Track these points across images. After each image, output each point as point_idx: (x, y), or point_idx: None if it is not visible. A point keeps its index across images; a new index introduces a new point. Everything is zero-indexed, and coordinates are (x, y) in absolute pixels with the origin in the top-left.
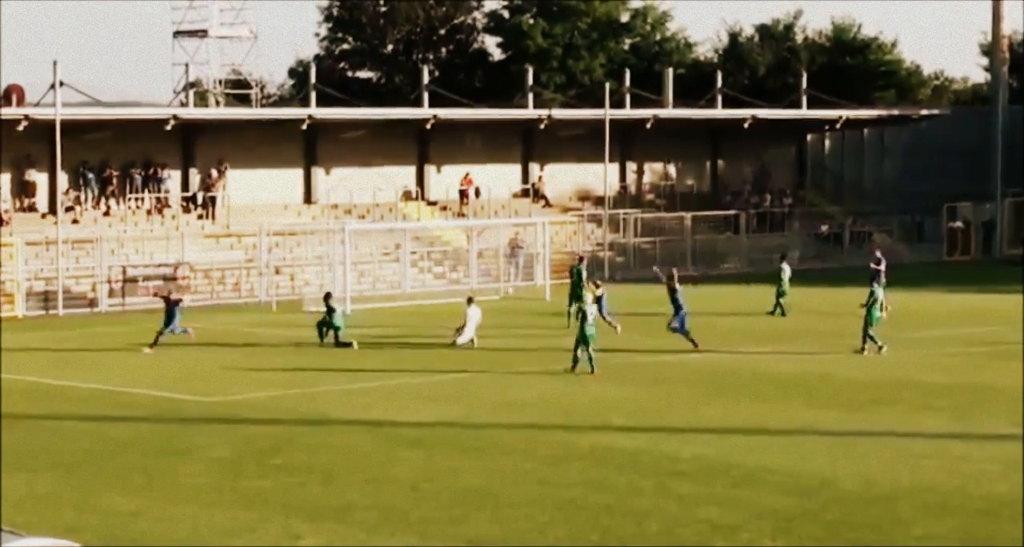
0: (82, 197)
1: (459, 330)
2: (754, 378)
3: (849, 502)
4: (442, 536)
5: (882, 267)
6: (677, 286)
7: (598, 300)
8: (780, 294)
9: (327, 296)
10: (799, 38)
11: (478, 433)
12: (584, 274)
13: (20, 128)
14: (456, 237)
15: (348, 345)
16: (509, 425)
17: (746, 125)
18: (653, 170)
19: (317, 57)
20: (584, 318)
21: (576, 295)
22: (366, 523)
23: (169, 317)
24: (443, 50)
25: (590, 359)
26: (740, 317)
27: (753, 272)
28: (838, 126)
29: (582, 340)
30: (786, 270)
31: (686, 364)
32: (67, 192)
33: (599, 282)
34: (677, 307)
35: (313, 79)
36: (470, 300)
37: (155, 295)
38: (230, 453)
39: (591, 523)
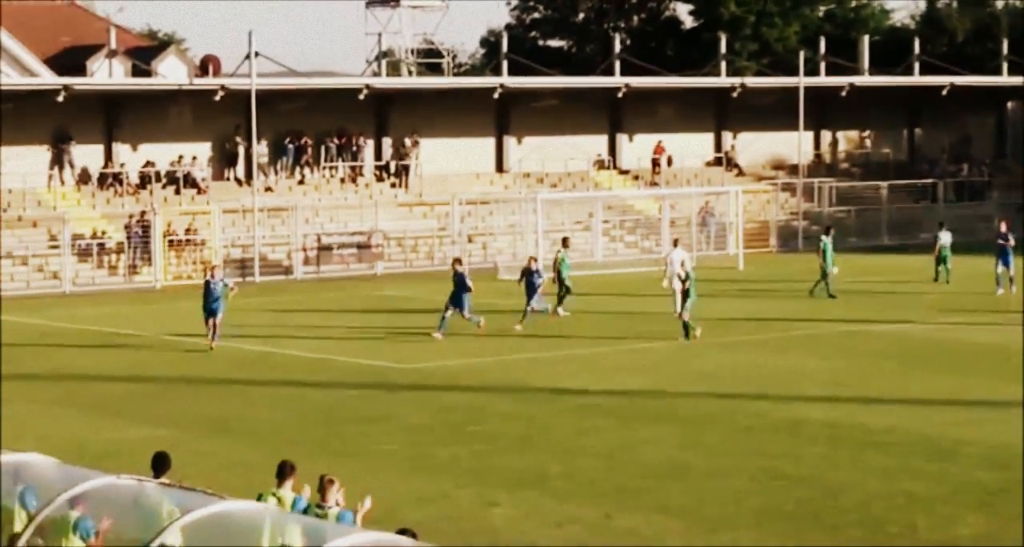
0: (279, 166)
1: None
2: (951, 349)
3: None
4: (636, 506)
5: (1009, 243)
6: (459, 269)
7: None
8: (940, 261)
9: (565, 241)
10: (999, 3)
11: (672, 403)
12: (830, 246)
13: (216, 98)
14: (648, 206)
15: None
16: (703, 395)
17: (944, 92)
18: (848, 138)
19: (508, 26)
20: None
21: (823, 266)
22: (560, 491)
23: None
24: (634, 18)
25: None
26: (935, 286)
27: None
28: None
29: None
30: (943, 238)
31: (879, 335)
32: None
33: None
34: (460, 289)
35: (505, 48)
36: (676, 242)
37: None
38: (426, 420)
39: (786, 494)
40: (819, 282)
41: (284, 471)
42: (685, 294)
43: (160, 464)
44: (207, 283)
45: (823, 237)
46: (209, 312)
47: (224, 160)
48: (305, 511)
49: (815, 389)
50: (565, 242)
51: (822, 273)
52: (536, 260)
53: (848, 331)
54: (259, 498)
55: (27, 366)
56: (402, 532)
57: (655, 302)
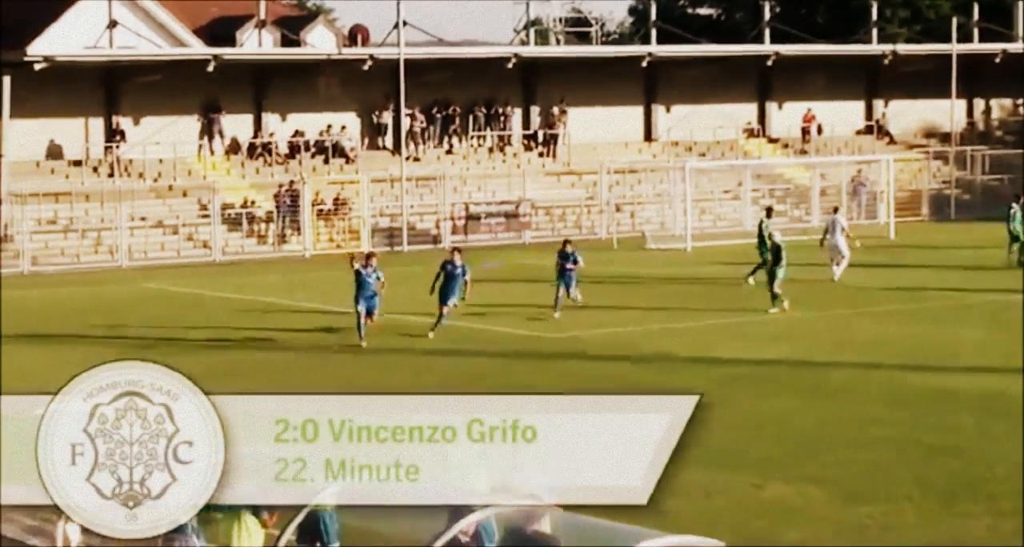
0: (426, 135)
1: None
2: None
3: None
4: (785, 476)
5: None
6: (457, 260)
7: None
8: None
9: (768, 210)
10: None
11: (821, 373)
12: (1020, 215)
13: (365, 68)
14: (798, 174)
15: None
16: (852, 365)
17: None
18: (1002, 106)
19: None
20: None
21: (1013, 234)
22: (707, 461)
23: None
24: None
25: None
26: None
27: None
28: None
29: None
30: None
31: None
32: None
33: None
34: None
35: (653, 16)
36: (836, 209)
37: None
38: (570, 391)
39: (939, 466)
40: (1011, 249)
41: None
42: (776, 264)
43: None
44: (358, 273)
45: (1013, 204)
46: (363, 307)
47: (373, 129)
48: None
49: (966, 359)
50: (769, 212)
51: (1013, 239)
52: (571, 242)
53: (1000, 301)
54: None
55: (173, 335)
56: None
57: (805, 271)
